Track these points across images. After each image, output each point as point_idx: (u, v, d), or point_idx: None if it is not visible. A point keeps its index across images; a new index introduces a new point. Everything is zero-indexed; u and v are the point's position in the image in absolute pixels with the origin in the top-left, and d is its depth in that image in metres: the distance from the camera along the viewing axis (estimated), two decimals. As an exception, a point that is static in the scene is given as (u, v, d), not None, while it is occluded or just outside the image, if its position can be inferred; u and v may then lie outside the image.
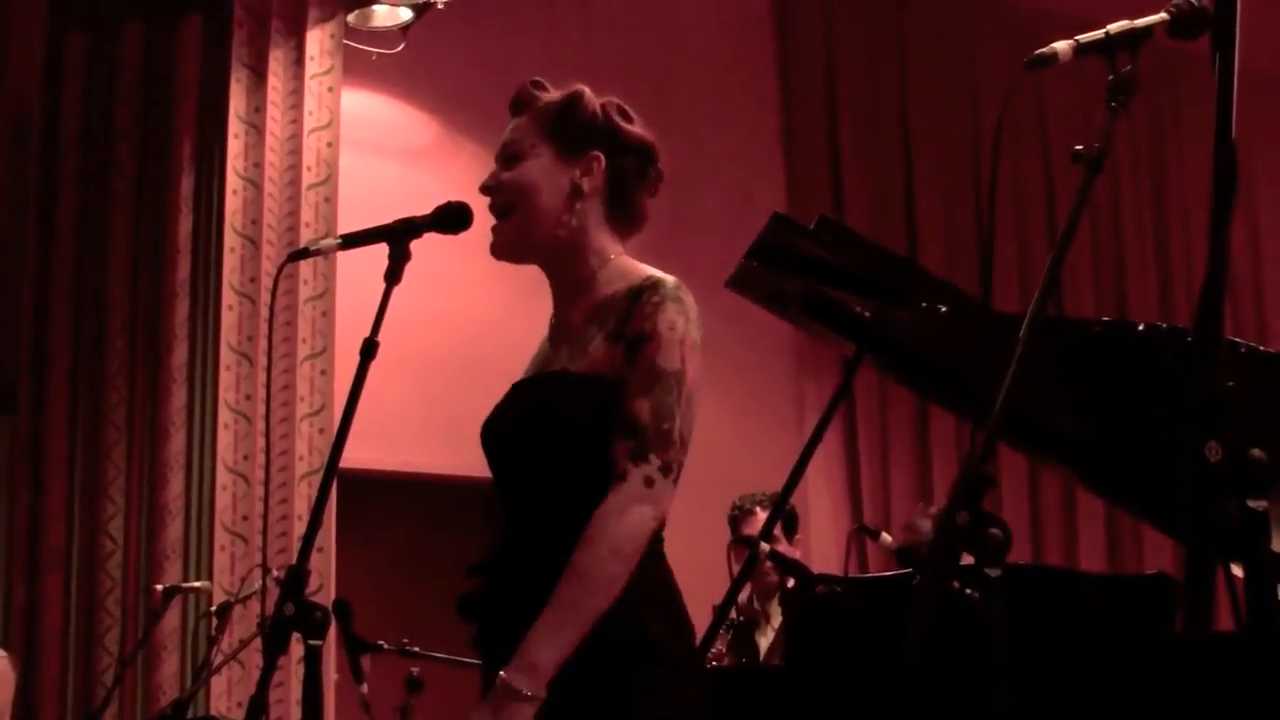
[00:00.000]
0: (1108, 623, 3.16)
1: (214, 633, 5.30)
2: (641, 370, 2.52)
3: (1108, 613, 3.19)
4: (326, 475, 2.65)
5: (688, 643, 2.58)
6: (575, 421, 2.55)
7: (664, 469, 2.48)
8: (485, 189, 2.74)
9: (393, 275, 2.66)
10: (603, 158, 2.69)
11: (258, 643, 5.38)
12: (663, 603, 2.52)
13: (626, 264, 2.69)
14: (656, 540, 2.55)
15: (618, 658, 2.45)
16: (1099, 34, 2.14)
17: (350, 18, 6.72)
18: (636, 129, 2.74)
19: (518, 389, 2.72)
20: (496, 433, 2.68)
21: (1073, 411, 3.49)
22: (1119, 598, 3.29)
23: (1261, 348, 3.15)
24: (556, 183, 2.69)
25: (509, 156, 2.74)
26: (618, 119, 2.73)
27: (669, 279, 2.60)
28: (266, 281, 6.15)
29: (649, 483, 2.47)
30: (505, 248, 2.73)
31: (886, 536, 3.99)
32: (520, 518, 2.62)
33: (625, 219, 2.74)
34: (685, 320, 2.55)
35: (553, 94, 2.76)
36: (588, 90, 2.76)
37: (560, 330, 2.72)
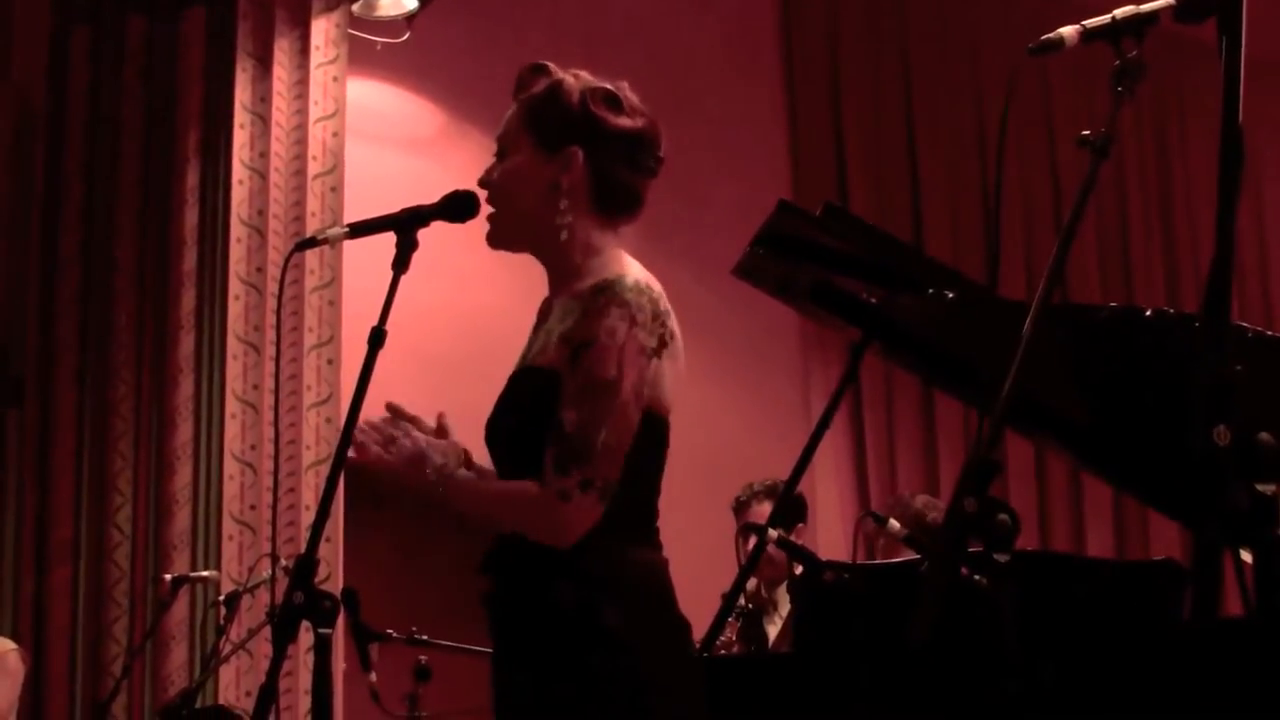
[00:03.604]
0: (1115, 609, 3.16)
1: (223, 622, 5.32)
2: (578, 378, 2.51)
3: (1115, 599, 3.19)
4: (335, 465, 2.66)
5: (656, 636, 2.55)
6: (527, 415, 2.58)
7: (584, 484, 2.47)
8: (480, 183, 2.75)
9: (400, 264, 2.66)
10: (581, 153, 2.65)
11: (266, 632, 5.38)
12: (630, 591, 2.53)
13: (608, 260, 2.66)
14: (641, 526, 2.58)
15: (568, 640, 2.49)
16: (1105, 19, 2.14)
17: (355, 7, 6.71)
18: (622, 118, 2.68)
19: (507, 384, 2.73)
20: (489, 428, 2.71)
21: (1079, 397, 3.49)
22: (1126, 584, 3.29)
23: (1268, 332, 3.16)
24: (535, 181, 2.68)
25: (498, 151, 2.75)
26: (599, 109, 2.68)
27: (627, 277, 2.57)
28: (273, 271, 6.16)
29: (564, 496, 2.47)
30: (494, 239, 2.76)
31: (894, 524, 3.98)
32: None
33: (616, 208, 2.71)
34: (629, 325, 2.52)
35: (540, 83, 2.73)
36: (569, 79, 2.71)
37: (542, 319, 2.73)
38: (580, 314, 2.55)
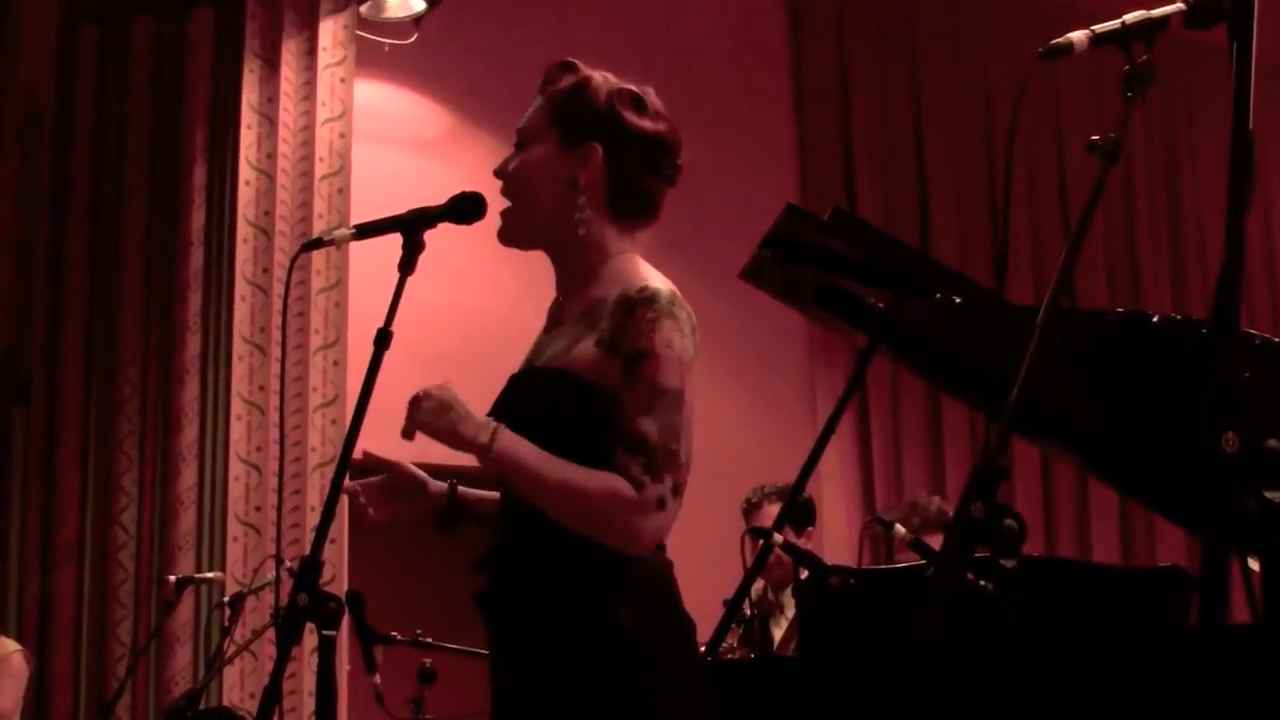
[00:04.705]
0: (1121, 615, 3.15)
1: (227, 624, 5.31)
2: (642, 388, 2.50)
3: (1121, 605, 3.18)
4: (340, 466, 2.65)
5: (666, 637, 2.56)
6: (546, 417, 2.56)
7: (675, 490, 2.49)
8: (496, 173, 2.74)
9: (407, 265, 2.65)
10: (600, 150, 2.65)
11: (270, 633, 5.38)
12: (641, 595, 2.53)
13: (627, 265, 2.65)
14: None
15: (582, 642, 2.49)
16: (1115, 24, 2.14)
17: (363, 9, 6.72)
18: (645, 121, 2.68)
19: (510, 383, 2.72)
20: None
21: (1087, 403, 3.49)
22: (1132, 590, 3.29)
23: (1277, 339, 3.15)
24: (555, 175, 2.67)
25: (519, 142, 2.74)
26: (624, 110, 2.68)
27: (664, 290, 2.56)
28: (279, 272, 6.16)
29: (661, 503, 2.48)
30: (507, 234, 2.75)
31: (900, 528, 3.98)
32: (513, 511, 2.65)
33: (632, 211, 2.70)
34: (681, 337, 2.53)
35: (567, 79, 2.73)
36: (597, 77, 2.71)
37: (555, 322, 2.72)
38: (619, 324, 2.54)
